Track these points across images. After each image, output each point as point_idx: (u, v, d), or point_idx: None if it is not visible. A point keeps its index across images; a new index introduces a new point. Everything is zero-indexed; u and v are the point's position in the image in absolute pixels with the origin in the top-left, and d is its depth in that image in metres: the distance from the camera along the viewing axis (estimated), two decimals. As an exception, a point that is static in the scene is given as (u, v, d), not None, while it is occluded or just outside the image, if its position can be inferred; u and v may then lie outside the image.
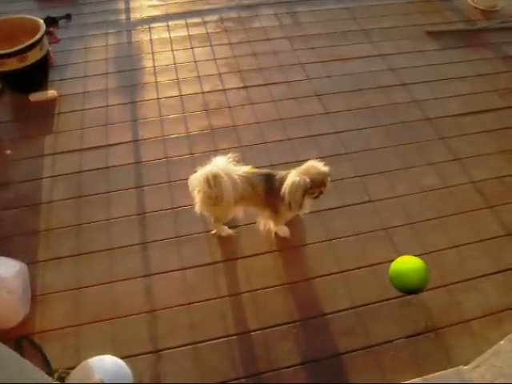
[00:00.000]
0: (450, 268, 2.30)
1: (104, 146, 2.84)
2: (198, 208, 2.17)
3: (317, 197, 2.11)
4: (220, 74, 3.27)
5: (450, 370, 1.97)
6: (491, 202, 2.57)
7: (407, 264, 2.18)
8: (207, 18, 3.79)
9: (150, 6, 3.96)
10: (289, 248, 2.35)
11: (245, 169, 2.10)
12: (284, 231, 2.37)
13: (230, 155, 2.06)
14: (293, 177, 2.00)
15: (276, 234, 2.37)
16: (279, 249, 2.35)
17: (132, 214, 2.49)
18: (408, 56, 3.41)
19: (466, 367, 1.94)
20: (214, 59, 3.40)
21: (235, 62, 3.37)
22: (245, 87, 3.17)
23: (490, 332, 2.07)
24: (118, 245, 2.37)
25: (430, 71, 3.38)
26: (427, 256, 2.33)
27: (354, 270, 2.27)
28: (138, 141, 2.86)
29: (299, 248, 2.37)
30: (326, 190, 2.10)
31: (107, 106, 3.08)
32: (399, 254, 2.32)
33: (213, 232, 2.39)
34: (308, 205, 2.16)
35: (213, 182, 1.94)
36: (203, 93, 3.13)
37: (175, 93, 3.14)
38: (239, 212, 2.30)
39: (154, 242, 2.38)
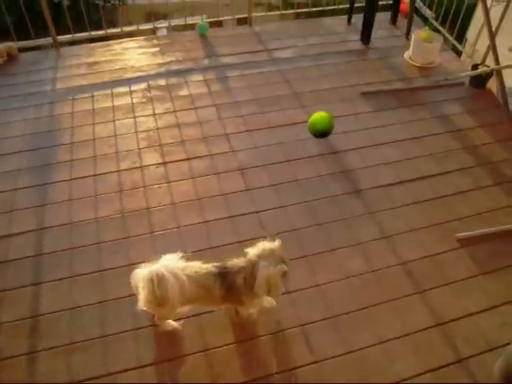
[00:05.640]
0: (374, 370, 2.06)
1: (3, 236, 2.59)
2: (141, 304, 1.98)
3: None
4: (139, 150, 3.07)
5: None
6: (421, 286, 2.36)
7: (317, 116, 3.09)
8: (134, 87, 3.63)
9: (77, 75, 3.80)
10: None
11: (195, 267, 1.95)
12: (267, 303, 2.14)
13: (178, 253, 1.94)
14: (265, 268, 1.86)
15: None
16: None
17: (24, 318, 2.22)
18: (340, 120, 3.25)
19: None
20: (136, 132, 3.21)
21: (157, 134, 3.19)
22: (164, 163, 2.98)
23: None
24: (3, 356, 2.09)
25: (363, 136, 3.23)
26: (349, 356, 2.10)
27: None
28: (41, 229, 2.62)
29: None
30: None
31: (16, 189, 2.85)
32: (317, 357, 2.08)
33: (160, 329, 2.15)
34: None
35: (157, 282, 1.80)
36: (119, 171, 2.92)
37: (90, 172, 2.93)
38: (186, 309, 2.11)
39: (42, 350, 2.10)
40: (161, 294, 1.82)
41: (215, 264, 1.97)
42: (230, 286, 1.93)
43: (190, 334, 2.16)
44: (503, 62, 3.29)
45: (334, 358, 2.09)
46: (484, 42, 3.78)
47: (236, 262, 1.96)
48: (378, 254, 2.51)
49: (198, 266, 1.95)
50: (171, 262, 1.89)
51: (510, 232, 2.65)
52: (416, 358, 2.10)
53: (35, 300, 2.31)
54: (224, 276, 1.93)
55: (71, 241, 2.56)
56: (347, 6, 4.46)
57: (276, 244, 1.95)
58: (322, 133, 3.11)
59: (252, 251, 1.96)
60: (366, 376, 2.03)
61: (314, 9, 4.58)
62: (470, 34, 4.28)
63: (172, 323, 2.16)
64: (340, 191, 2.84)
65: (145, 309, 2.19)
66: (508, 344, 2.12)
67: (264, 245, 1.95)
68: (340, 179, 2.92)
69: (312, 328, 2.18)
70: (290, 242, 2.53)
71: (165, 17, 7.73)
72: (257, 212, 2.69)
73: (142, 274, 1.88)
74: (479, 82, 3.64)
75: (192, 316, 2.20)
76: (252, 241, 2.48)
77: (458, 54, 4.23)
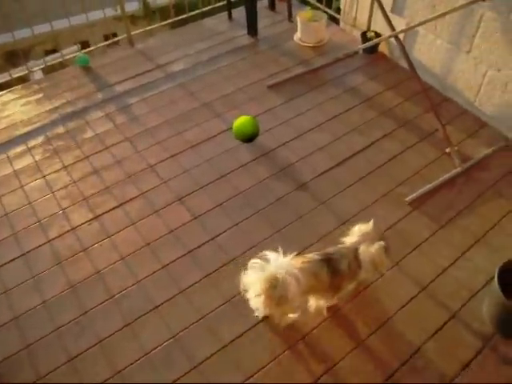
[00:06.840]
0: (383, 357, 2.06)
1: None
2: (263, 311, 2.00)
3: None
4: (63, 211, 2.77)
5: None
6: (394, 259, 2.40)
7: (241, 120, 3.01)
8: (31, 143, 3.25)
9: (-42, 148, 3.33)
10: None
11: (300, 258, 1.96)
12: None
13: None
14: (366, 252, 1.96)
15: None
16: None
17: None
18: (258, 120, 3.17)
19: None
20: (52, 192, 2.89)
21: (76, 188, 2.89)
22: (96, 217, 2.71)
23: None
24: None
25: (286, 129, 3.21)
26: (357, 350, 2.10)
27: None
28: (-17, 335, 2.27)
29: None
30: None
31: None
32: (332, 361, 2.04)
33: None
34: None
35: (274, 283, 1.79)
36: (50, 241, 2.61)
37: (16, 253, 2.58)
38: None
39: None
40: (280, 294, 1.80)
41: (316, 253, 2.01)
42: (335, 272, 1.97)
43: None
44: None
45: (346, 355, 2.07)
46: (360, 9, 3.92)
47: (336, 248, 2.05)
48: (344, 241, 2.51)
49: (302, 257, 1.98)
50: (282, 259, 1.85)
51: (448, 181, 2.79)
52: (414, 330, 2.14)
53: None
54: (328, 261, 1.97)
55: (24, 338, 2.23)
56: (224, 2, 4.39)
57: (369, 224, 2.05)
58: (250, 137, 3.06)
59: (349, 238, 2.07)
60: (379, 366, 2.03)
61: (191, 13, 4.43)
62: (343, 2, 4.39)
63: (292, 316, 2.11)
64: (285, 191, 2.79)
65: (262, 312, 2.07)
66: (486, 284, 2.25)
67: (359, 228, 2.06)
68: (281, 179, 2.87)
69: (317, 332, 2.14)
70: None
71: (28, 52, 7.12)
72: (212, 238, 2.56)
73: (255, 280, 1.84)
74: (372, 47, 3.77)
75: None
76: (219, 271, 2.41)
77: (341, 25, 4.34)
